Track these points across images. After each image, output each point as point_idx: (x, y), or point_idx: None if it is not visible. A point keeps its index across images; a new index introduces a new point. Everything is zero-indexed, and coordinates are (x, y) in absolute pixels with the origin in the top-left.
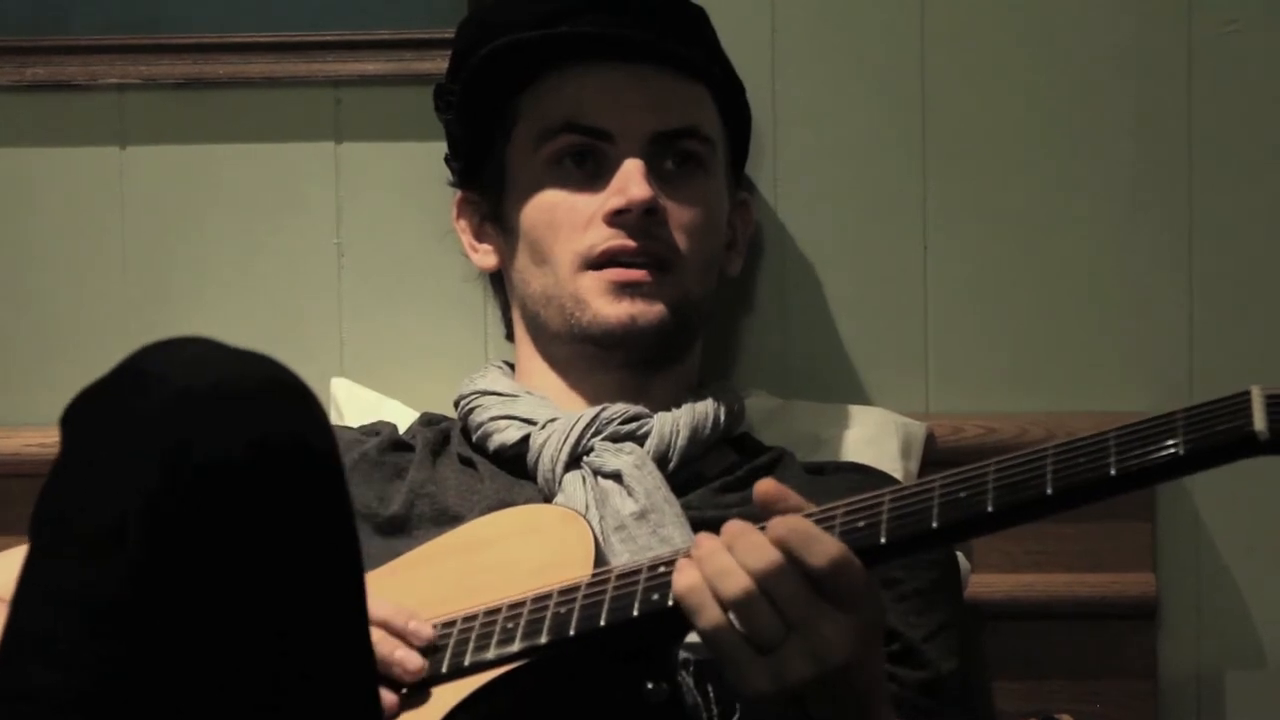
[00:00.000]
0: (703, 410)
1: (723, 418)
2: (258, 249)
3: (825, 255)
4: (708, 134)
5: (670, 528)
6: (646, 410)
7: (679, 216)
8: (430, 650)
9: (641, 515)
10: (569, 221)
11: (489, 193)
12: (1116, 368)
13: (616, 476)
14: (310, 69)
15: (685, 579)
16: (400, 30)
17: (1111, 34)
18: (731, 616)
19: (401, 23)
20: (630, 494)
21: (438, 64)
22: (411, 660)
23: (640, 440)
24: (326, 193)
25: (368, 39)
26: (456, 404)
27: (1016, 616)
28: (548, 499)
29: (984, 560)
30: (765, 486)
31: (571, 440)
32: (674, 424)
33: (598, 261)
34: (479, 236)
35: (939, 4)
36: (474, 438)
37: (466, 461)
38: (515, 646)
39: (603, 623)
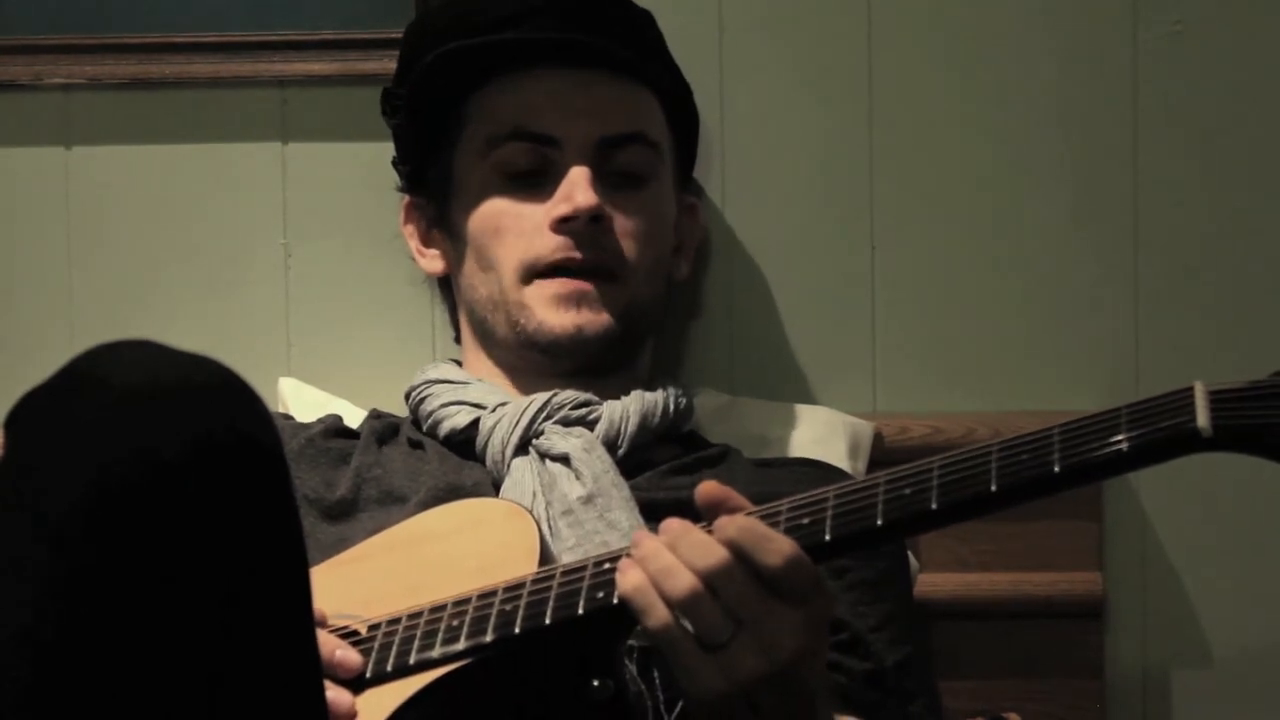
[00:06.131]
0: (652, 399)
1: (671, 409)
2: (204, 249)
3: (773, 256)
4: (654, 139)
5: (617, 512)
6: (596, 398)
7: (625, 223)
8: (375, 649)
9: (589, 499)
10: (515, 228)
11: (436, 198)
12: (1063, 367)
13: (565, 460)
14: (256, 69)
15: (630, 579)
16: (346, 30)
17: (1057, 34)
18: (679, 615)
19: (347, 23)
20: (578, 478)
21: (384, 64)
22: (351, 659)
23: (590, 425)
24: (273, 193)
25: (314, 39)
26: (407, 396)
27: (964, 615)
28: (496, 482)
29: (932, 559)
30: (708, 488)
31: (523, 424)
32: (624, 410)
33: (544, 271)
34: (426, 241)
35: (885, 6)
36: (424, 426)
37: (415, 444)
38: (460, 645)
39: (548, 620)
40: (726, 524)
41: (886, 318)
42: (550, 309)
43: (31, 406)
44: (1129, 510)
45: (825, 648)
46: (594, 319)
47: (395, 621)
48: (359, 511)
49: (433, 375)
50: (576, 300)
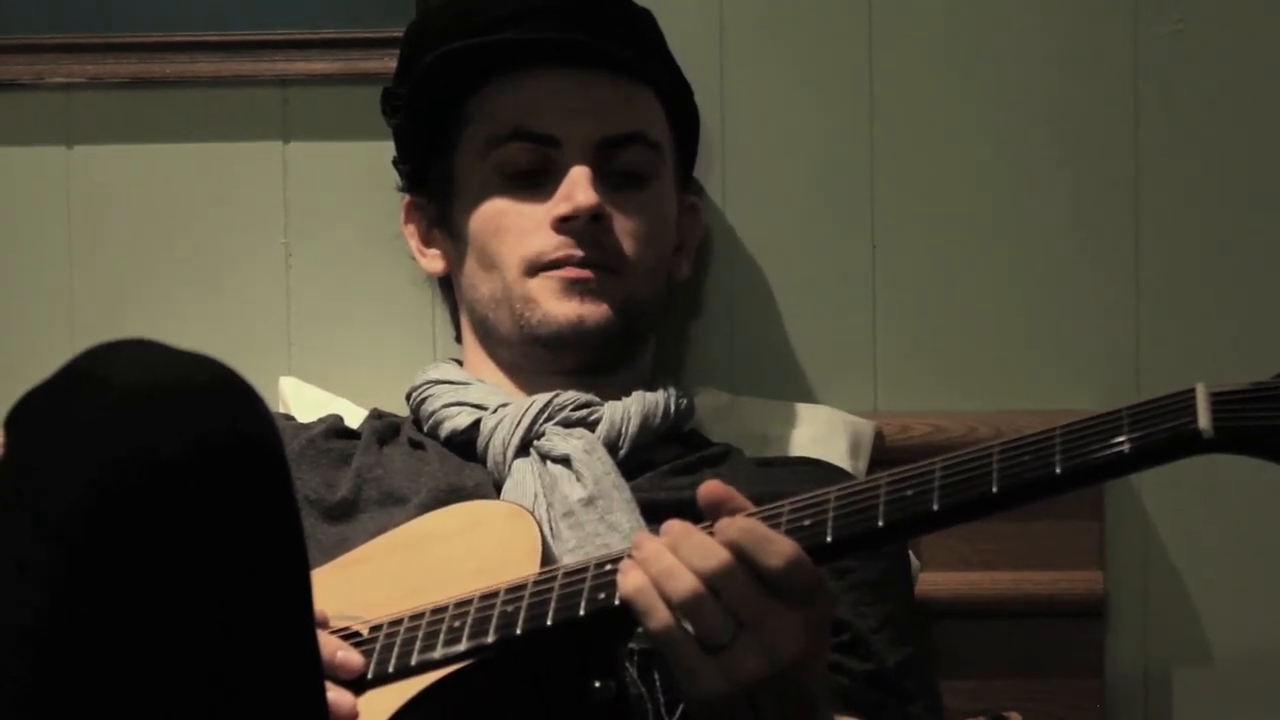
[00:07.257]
0: (653, 400)
1: (673, 409)
2: (205, 249)
3: (774, 255)
4: (654, 139)
5: (619, 514)
6: (598, 399)
7: (626, 223)
8: (377, 650)
9: (590, 501)
10: (516, 227)
11: (436, 198)
12: (1063, 367)
13: (565, 461)
14: (257, 68)
15: (632, 581)
16: (348, 29)
17: (1057, 34)
18: (680, 617)
19: (349, 22)
20: (579, 479)
21: (385, 63)
22: (352, 660)
23: (591, 426)
24: (274, 192)
25: (315, 38)
26: (408, 396)
27: (965, 614)
28: (497, 483)
29: (933, 558)
30: (710, 487)
31: (524, 425)
32: (625, 411)
33: (546, 267)
34: (427, 241)
35: (886, 6)
36: (425, 427)
37: (416, 445)
38: (462, 646)
39: (550, 621)
40: (728, 525)
41: (887, 317)
42: (554, 299)
43: (31, 406)
44: (1130, 510)
45: (826, 649)
46: (595, 309)
47: (397, 623)
48: (360, 512)
49: (434, 375)
50: (579, 289)
